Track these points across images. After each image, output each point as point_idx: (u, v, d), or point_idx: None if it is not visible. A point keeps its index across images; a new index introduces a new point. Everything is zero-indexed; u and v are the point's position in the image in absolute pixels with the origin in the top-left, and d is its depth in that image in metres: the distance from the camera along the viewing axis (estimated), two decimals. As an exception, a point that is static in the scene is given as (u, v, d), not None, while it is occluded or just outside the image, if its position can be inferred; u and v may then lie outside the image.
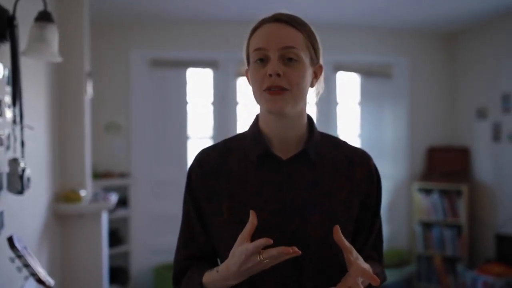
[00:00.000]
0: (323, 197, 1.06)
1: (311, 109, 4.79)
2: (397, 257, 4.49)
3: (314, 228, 1.03)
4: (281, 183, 1.06)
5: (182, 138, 4.39)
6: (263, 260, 0.92)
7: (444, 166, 4.55)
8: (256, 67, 1.04)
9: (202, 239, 1.11)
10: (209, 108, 4.42)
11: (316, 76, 1.10)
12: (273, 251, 0.92)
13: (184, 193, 1.14)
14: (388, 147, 4.72)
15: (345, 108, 4.66)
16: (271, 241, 0.92)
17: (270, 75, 1.00)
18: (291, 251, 0.90)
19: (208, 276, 1.04)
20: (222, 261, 1.08)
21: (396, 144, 4.71)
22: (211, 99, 4.41)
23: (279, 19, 1.04)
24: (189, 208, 1.12)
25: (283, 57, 1.01)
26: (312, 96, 1.13)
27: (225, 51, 4.20)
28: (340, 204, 1.07)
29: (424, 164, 4.69)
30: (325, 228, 1.02)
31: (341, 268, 1.00)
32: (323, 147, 1.11)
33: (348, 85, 4.67)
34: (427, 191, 4.44)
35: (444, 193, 4.37)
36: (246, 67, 1.11)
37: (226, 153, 1.12)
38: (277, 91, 1.00)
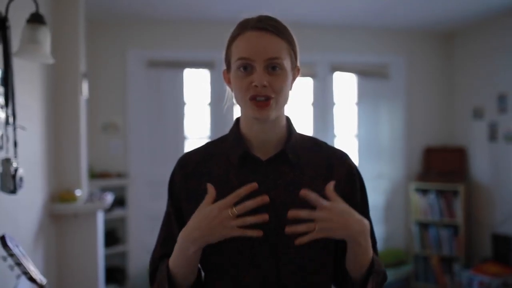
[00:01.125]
0: (301, 197, 1.07)
1: (308, 110, 4.74)
2: (394, 257, 4.50)
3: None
4: (261, 183, 1.07)
5: (179, 138, 4.39)
6: (235, 213, 0.96)
7: (441, 166, 4.55)
8: (240, 74, 1.05)
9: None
10: (206, 108, 4.44)
11: (294, 78, 1.12)
12: (249, 203, 0.97)
13: (167, 194, 1.17)
14: (385, 147, 4.72)
15: (342, 108, 4.67)
16: (247, 190, 0.98)
17: (256, 86, 1.02)
18: (267, 200, 0.97)
19: (171, 257, 1.07)
20: (200, 263, 1.10)
21: (393, 144, 4.71)
22: (208, 99, 4.43)
23: (263, 28, 1.05)
24: (169, 208, 1.15)
25: (267, 67, 1.03)
26: (290, 98, 1.15)
27: (221, 51, 4.20)
28: None
29: (421, 164, 4.69)
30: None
31: (320, 266, 1.01)
32: (303, 148, 1.13)
33: (345, 85, 4.68)
34: (424, 191, 4.44)
35: (440, 193, 4.37)
36: (224, 67, 1.13)
37: (208, 155, 1.15)
38: (264, 102, 1.03)
